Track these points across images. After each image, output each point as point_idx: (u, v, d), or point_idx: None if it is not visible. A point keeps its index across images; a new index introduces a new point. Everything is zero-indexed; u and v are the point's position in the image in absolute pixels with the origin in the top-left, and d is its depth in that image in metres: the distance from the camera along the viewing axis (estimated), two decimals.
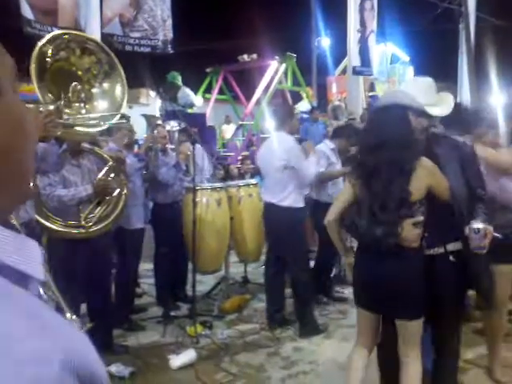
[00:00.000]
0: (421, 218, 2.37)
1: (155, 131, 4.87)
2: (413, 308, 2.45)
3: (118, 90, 3.55)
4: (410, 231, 2.34)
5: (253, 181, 5.60)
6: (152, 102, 13.10)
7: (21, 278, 0.49)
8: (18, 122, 0.55)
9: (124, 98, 3.58)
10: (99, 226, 3.63)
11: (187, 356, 3.83)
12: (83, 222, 3.57)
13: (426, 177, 2.37)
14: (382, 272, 2.43)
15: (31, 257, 0.51)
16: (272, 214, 4.40)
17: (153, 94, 12.52)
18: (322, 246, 5.10)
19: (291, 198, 4.28)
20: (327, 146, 5.01)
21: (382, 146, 2.37)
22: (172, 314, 4.73)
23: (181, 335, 4.26)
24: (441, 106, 2.65)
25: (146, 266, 5.61)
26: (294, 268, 4.38)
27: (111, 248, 4.19)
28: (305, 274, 4.36)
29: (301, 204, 4.36)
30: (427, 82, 2.74)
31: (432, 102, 2.62)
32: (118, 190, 3.75)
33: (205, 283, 5.46)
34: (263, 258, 5.09)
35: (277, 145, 4.35)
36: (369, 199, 2.42)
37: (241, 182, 5.60)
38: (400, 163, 2.35)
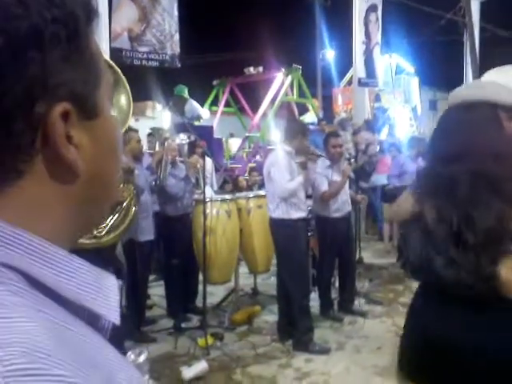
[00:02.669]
0: None
1: (165, 144, 4.91)
2: None
3: (124, 103, 3.61)
4: None
5: (262, 192, 5.62)
6: (158, 115, 13.19)
7: (93, 317, 0.49)
8: (113, 142, 0.54)
9: (130, 111, 3.63)
10: (111, 236, 3.67)
11: (199, 367, 3.84)
12: (95, 232, 3.60)
13: None
14: (463, 332, 1.61)
15: (109, 297, 0.50)
16: (270, 226, 4.46)
17: (159, 106, 12.61)
18: (322, 259, 5.11)
19: (281, 209, 4.27)
20: (324, 163, 4.94)
21: (463, 156, 1.67)
22: (183, 325, 4.74)
23: (192, 347, 4.27)
24: None
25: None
26: (287, 281, 4.36)
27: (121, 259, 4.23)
28: (296, 287, 4.29)
29: (294, 216, 4.27)
30: None
31: None
32: (127, 200, 3.79)
33: (215, 295, 5.47)
34: (273, 269, 5.11)
35: (271, 156, 4.49)
36: (445, 228, 1.64)
37: (250, 194, 5.63)
38: (492, 180, 1.63)
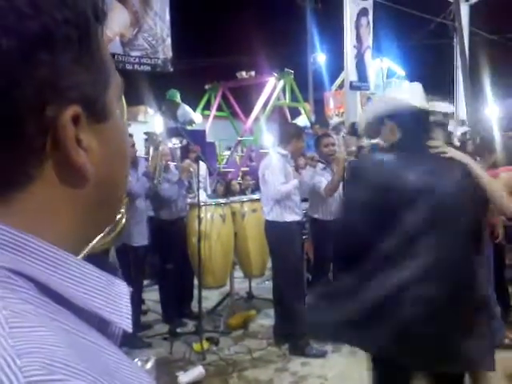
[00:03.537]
0: None
1: (160, 148, 4.90)
2: None
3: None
4: None
5: (256, 196, 5.61)
6: (150, 120, 13.16)
7: (103, 324, 0.48)
8: (122, 146, 0.54)
9: (123, 116, 3.62)
10: (102, 242, 3.65)
11: (195, 373, 3.82)
12: None
13: None
14: None
15: (120, 303, 0.49)
16: (265, 228, 4.48)
17: (151, 111, 12.61)
18: (317, 262, 5.09)
19: (275, 212, 4.30)
20: (319, 165, 4.91)
21: None
22: (178, 330, 4.71)
23: (187, 352, 4.24)
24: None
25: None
26: (282, 284, 4.36)
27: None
28: (291, 291, 4.30)
29: (288, 218, 4.29)
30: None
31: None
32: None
33: (210, 299, 5.45)
34: (268, 272, 5.10)
35: (265, 159, 4.53)
36: None
37: (244, 198, 5.62)
38: None
